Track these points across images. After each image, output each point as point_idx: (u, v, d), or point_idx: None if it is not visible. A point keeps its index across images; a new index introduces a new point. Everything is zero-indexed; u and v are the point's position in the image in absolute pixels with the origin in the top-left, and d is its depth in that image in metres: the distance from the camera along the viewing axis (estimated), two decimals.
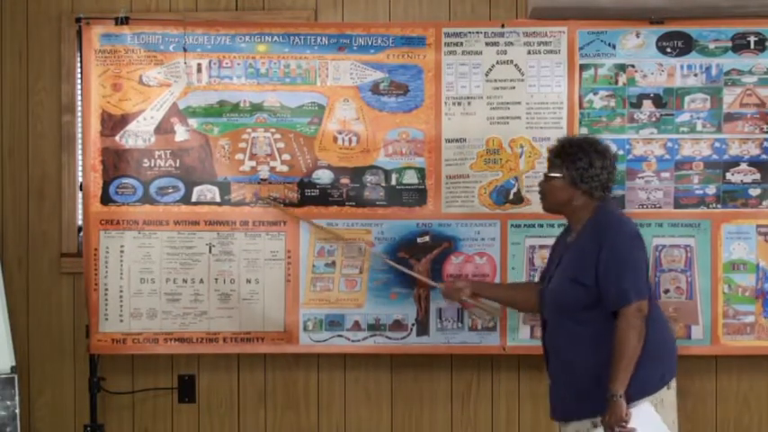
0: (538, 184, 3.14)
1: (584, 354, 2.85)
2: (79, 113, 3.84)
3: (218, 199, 3.71)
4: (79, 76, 3.77)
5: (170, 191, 3.72)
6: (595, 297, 2.82)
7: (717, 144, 3.66)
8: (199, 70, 3.70)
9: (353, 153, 3.72)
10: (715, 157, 3.66)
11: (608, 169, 2.94)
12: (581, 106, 3.68)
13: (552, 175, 2.97)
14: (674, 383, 2.89)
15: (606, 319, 2.81)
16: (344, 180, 3.72)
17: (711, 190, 3.66)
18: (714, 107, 3.66)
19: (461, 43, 3.70)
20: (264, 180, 3.71)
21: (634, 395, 2.75)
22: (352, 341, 3.74)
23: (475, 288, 3.42)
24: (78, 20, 3.71)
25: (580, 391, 2.86)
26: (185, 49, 3.69)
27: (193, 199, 3.71)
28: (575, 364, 2.88)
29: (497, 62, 3.70)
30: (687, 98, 3.67)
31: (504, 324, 3.71)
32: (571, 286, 2.87)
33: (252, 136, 3.71)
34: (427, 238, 3.71)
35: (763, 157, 3.66)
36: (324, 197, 3.71)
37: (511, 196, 3.70)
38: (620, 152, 3.66)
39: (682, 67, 3.66)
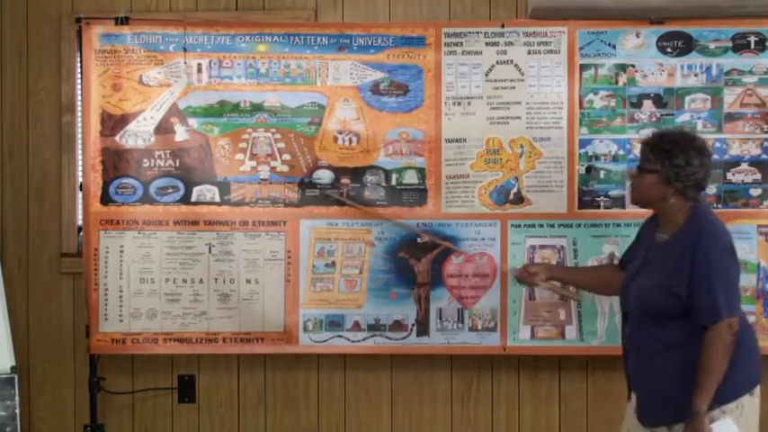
0: (628, 174, 3.02)
1: (670, 361, 2.76)
2: (79, 113, 3.84)
3: (217, 199, 3.71)
4: (79, 76, 3.77)
5: (170, 191, 3.71)
6: (686, 307, 2.73)
7: (717, 144, 3.65)
8: (199, 70, 3.70)
9: (354, 153, 3.72)
10: (716, 157, 3.63)
11: (705, 168, 2.82)
12: (581, 106, 3.68)
13: (647, 168, 2.84)
14: (757, 390, 2.81)
15: (695, 329, 2.72)
16: (345, 180, 3.71)
17: (712, 190, 3.65)
18: (714, 107, 3.66)
19: (461, 43, 3.70)
20: (265, 180, 3.70)
21: (716, 402, 2.70)
22: (352, 341, 3.73)
23: (550, 272, 3.40)
24: (78, 20, 3.71)
25: (663, 397, 2.78)
26: (185, 49, 3.69)
27: (193, 199, 3.71)
28: (658, 370, 2.79)
29: (497, 62, 3.70)
30: (687, 98, 3.66)
31: (505, 325, 3.70)
32: (662, 294, 2.76)
33: (252, 136, 3.71)
34: (427, 239, 3.71)
35: (764, 156, 3.66)
36: (324, 197, 3.71)
37: (511, 196, 3.70)
38: (621, 152, 3.67)
39: (682, 66, 3.66)
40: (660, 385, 2.79)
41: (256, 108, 3.70)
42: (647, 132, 3.17)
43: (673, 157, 2.79)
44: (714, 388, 2.66)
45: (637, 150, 3.62)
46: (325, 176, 3.71)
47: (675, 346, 2.75)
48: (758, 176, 3.66)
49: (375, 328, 3.72)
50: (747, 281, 3.64)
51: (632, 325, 2.91)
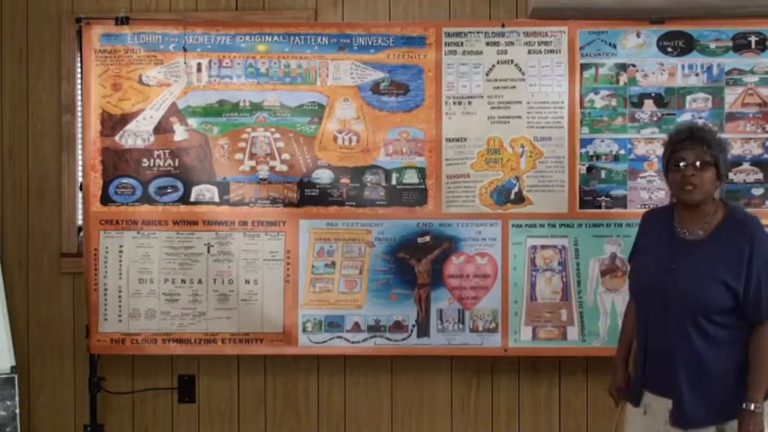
0: (683, 173, 2.72)
1: (721, 358, 2.69)
2: (79, 113, 3.85)
3: (216, 199, 3.70)
4: (79, 76, 3.77)
5: (169, 191, 3.71)
6: (740, 301, 2.67)
7: None
8: (199, 70, 3.70)
9: (353, 153, 3.71)
10: None
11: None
12: (582, 106, 3.67)
13: (709, 162, 2.71)
14: None
15: (742, 325, 2.69)
16: (344, 180, 3.71)
17: None
18: (716, 107, 3.65)
19: (462, 43, 3.69)
20: (264, 180, 3.70)
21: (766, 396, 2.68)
22: (352, 342, 3.72)
23: (623, 379, 3.04)
24: (78, 20, 3.72)
25: (710, 396, 2.69)
26: (185, 49, 3.69)
27: (192, 199, 3.71)
28: (709, 368, 2.69)
29: (498, 62, 3.69)
30: (688, 98, 3.65)
31: (506, 326, 3.69)
32: (718, 288, 2.66)
33: (251, 135, 3.71)
34: (428, 238, 3.70)
35: (766, 156, 3.65)
36: (324, 197, 3.70)
37: (512, 196, 3.69)
38: (622, 152, 3.65)
39: (683, 66, 3.64)
40: (710, 383, 2.69)
41: (256, 107, 3.70)
42: (684, 124, 3.04)
43: (726, 152, 2.76)
44: (767, 381, 2.65)
45: (639, 150, 3.63)
46: (324, 176, 3.70)
47: (725, 343, 2.69)
48: (760, 176, 3.65)
49: (375, 328, 3.71)
50: None
51: (671, 323, 2.73)
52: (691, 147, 2.73)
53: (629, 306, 3.07)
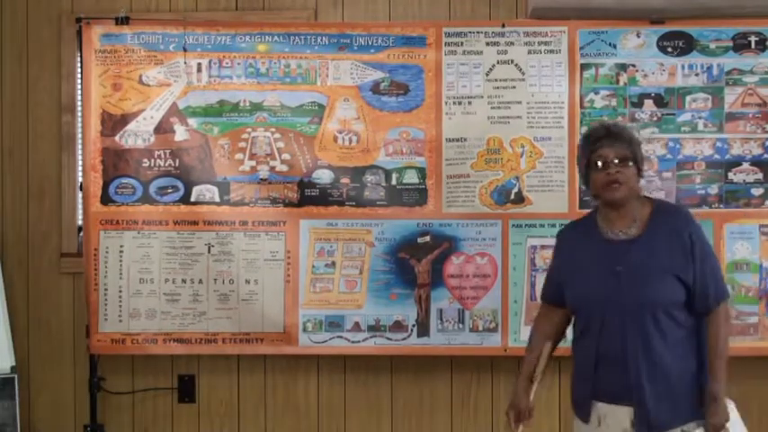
0: (606, 171, 2.63)
1: (679, 358, 2.61)
2: (79, 113, 3.84)
3: (217, 199, 3.71)
4: (79, 76, 3.77)
5: (169, 191, 3.71)
6: (688, 294, 2.61)
7: (718, 144, 3.64)
8: (199, 70, 3.70)
9: (354, 153, 3.71)
10: (717, 156, 3.65)
11: None
12: (582, 106, 3.67)
13: (630, 158, 2.64)
14: None
15: (697, 318, 2.63)
16: (345, 180, 3.71)
17: (713, 190, 3.64)
18: (716, 107, 3.65)
19: (462, 43, 3.69)
20: (264, 180, 3.70)
21: None
22: (352, 342, 3.72)
23: (527, 394, 2.83)
24: (78, 20, 3.72)
25: (673, 398, 2.61)
26: (185, 49, 3.69)
27: (193, 199, 3.71)
28: (670, 369, 2.60)
29: (498, 62, 3.69)
30: (688, 98, 3.66)
31: (506, 325, 3.69)
32: (672, 283, 2.59)
33: (252, 135, 3.71)
34: (428, 238, 3.70)
35: (766, 156, 3.65)
36: (324, 197, 3.70)
37: (512, 196, 3.69)
38: None
39: (683, 66, 3.65)
40: (672, 385, 2.61)
41: (256, 107, 3.70)
42: (597, 123, 2.97)
43: (640, 147, 2.69)
44: (727, 368, 2.60)
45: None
46: (324, 176, 3.71)
47: (682, 343, 2.62)
48: (759, 176, 3.65)
49: (375, 328, 3.72)
50: (750, 281, 3.64)
51: (626, 327, 2.62)
52: (609, 144, 2.64)
53: (540, 322, 2.89)
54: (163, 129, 3.70)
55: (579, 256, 2.76)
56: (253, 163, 3.70)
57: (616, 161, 2.63)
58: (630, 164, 2.64)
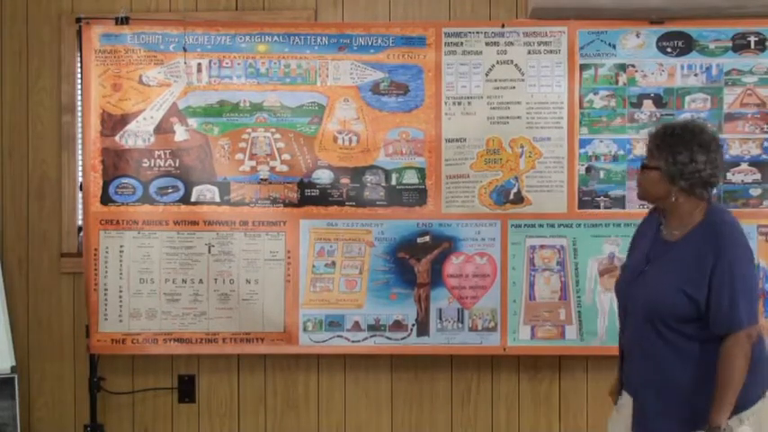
0: (639, 169, 2.71)
1: (680, 369, 2.56)
2: (79, 113, 3.85)
3: (217, 199, 3.71)
4: (79, 76, 3.77)
5: (170, 191, 3.71)
6: (702, 312, 2.52)
7: None
8: (199, 70, 3.70)
9: (353, 153, 3.72)
10: None
11: (712, 164, 2.56)
12: (581, 106, 3.68)
13: (650, 164, 2.62)
14: None
15: (709, 335, 2.53)
16: (344, 180, 3.71)
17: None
18: (714, 107, 3.66)
19: (461, 43, 3.70)
20: (264, 180, 3.70)
21: (733, 411, 2.50)
22: (352, 342, 3.73)
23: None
24: (78, 20, 3.72)
25: (668, 407, 2.58)
26: (185, 49, 3.69)
27: (193, 199, 3.71)
28: (667, 379, 2.58)
29: (497, 62, 3.70)
30: (687, 98, 3.66)
31: (505, 325, 3.70)
32: (678, 297, 2.54)
33: (252, 136, 3.71)
34: (427, 238, 3.71)
35: (764, 157, 3.66)
36: (324, 197, 3.71)
37: (511, 196, 3.70)
38: (621, 152, 3.66)
39: (682, 66, 3.66)
40: (675, 394, 2.58)
41: (256, 108, 3.70)
42: (653, 127, 2.93)
43: (676, 154, 2.55)
44: (734, 400, 2.47)
45: (638, 149, 3.63)
46: (324, 176, 3.71)
47: (688, 354, 2.55)
48: (758, 176, 3.66)
49: (375, 328, 3.72)
50: None
51: (636, 327, 2.66)
52: (649, 148, 2.67)
53: None
54: (163, 129, 3.70)
55: (638, 243, 2.81)
56: (253, 163, 3.70)
57: (642, 164, 2.68)
58: (649, 170, 2.62)
